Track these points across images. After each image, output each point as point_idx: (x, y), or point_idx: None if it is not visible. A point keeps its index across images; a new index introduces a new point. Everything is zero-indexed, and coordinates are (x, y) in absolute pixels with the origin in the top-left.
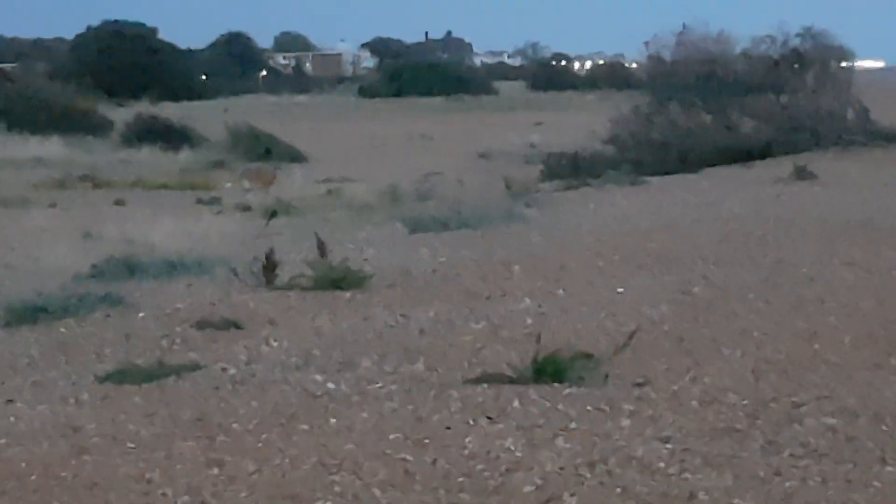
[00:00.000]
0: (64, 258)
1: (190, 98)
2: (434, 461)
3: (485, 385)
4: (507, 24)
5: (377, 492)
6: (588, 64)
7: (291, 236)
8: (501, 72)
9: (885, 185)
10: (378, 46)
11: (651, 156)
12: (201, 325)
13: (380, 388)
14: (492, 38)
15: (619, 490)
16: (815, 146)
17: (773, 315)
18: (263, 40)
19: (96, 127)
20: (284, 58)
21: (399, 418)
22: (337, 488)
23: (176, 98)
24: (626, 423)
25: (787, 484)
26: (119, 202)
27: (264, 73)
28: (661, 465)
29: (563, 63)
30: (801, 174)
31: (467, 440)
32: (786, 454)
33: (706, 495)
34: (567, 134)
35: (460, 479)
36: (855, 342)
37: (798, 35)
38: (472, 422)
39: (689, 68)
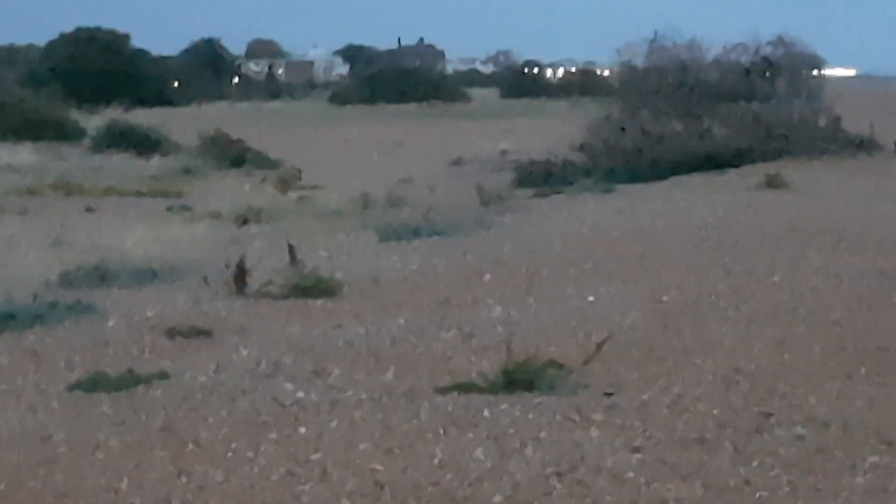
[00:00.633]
0: (34, 266)
1: (162, 104)
2: (404, 470)
3: (455, 394)
4: (480, 31)
5: (346, 502)
6: (560, 71)
7: (263, 243)
8: (474, 79)
9: (856, 193)
10: (350, 53)
11: (623, 163)
12: (171, 333)
13: (350, 396)
14: (464, 44)
15: (588, 500)
16: (786, 154)
17: (743, 324)
18: (236, 47)
19: (68, 133)
20: (256, 64)
21: (369, 427)
22: (306, 498)
23: (148, 104)
24: (595, 432)
25: (758, 494)
26: (90, 209)
27: (237, 79)
28: (631, 474)
29: (536, 70)
30: (773, 182)
31: (437, 449)
32: (756, 464)
33: None
34: (539, 141)
35: (430, 489)
36: (825, 351)
37: (770, 43)
38: (442, 431)
39: (660, 76)
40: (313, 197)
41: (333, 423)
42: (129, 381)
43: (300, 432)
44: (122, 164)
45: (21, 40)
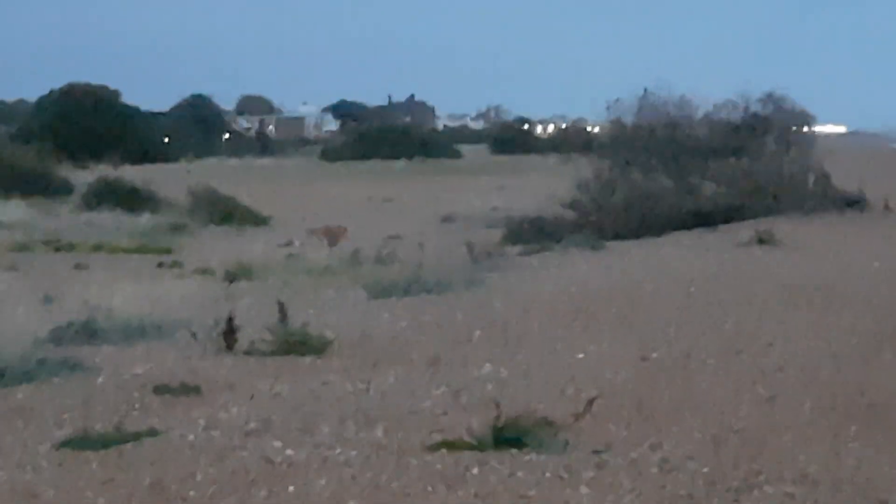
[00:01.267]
0: (23, 322)
1: (152, 161)
2: None
3: (444, 451)
4: (470, 88)
5: None
6: (550, 127)
7: (253, 300)
8: (464, 135)
9: (845, 250)
10: (341, 109)
11: (612, 220)
12: (160, 389)
13: (339, 454)
14: (454, 101)
15: None
16: (776, 211)
17: (733, 381)
18: (226, 103)
19: (58, 189)
20: (247, 120)
21: (358, 485)
22: None
23: (138, 160)
24: (585, 490)
25: None
26: (80, 265)
27: (227, 135)
28: None
29: (526, 126)
30: (763, 239)
31: None
32: None
33: None
34: (530, 197)
35: None
36: (815, 409)
37: (760, 100)
38: (430, 489)
39: (650, 132)
40: (303, 253)
41: (322, 481)
42: (117, 438)
43: (289, 490)
44: (112, 220)
45: (11, 96)
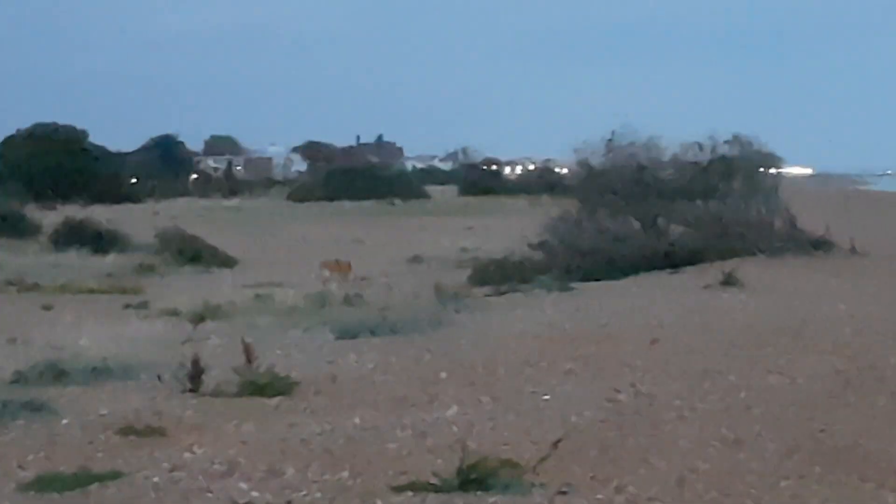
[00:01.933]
0: None
1: (119, 201)
2: None
3: (410, 493)
4: (438, 128)
5: None
6: (519, 168)
7: (219, 341)
8: (433, 176)
9: (812, 292)
10: (309, 150)
11: (580, 261)
12: (125, 431)
13: (304, 496)
14: (423, 142)
15: None
16: (743, 252)
17: (698, 423)
18: (194, 143)
19: (25, 230)
20: (215, 161)
21: None
22: None
23: (106, 201)
24: None
25: None
26: (46, 307)
27: (195, 175)
28: None
29: (494, 167)
30: (729, 281)
31: None
32: None
33: None
34: (498, 238)
35: None
36: (780, 451)
37: (727, 142)
38: None
39: (618, 174)
40: (271, 294)
41: None
42: (82, 480)
43: None
44: (78, 260)
45: None
